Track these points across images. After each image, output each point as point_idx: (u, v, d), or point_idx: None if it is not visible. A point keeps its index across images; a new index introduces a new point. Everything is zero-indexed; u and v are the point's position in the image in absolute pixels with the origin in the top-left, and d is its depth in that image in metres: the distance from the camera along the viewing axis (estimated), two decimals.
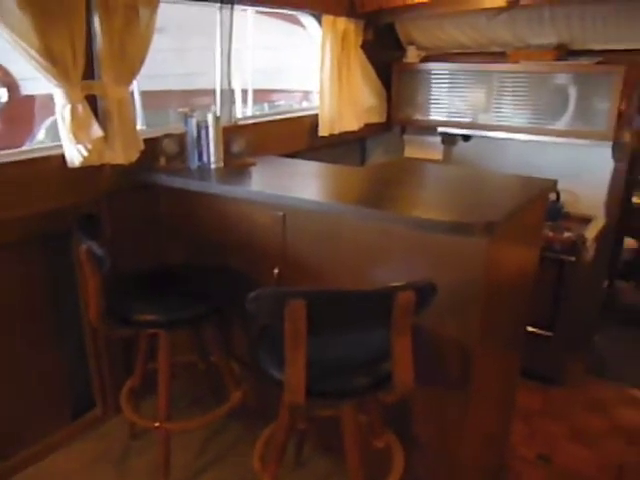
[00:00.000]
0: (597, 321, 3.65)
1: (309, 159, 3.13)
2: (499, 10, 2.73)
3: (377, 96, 3.62)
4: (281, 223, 2.07)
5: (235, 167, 2.43)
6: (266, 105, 3.79)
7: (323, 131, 3.15)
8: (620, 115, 2.84)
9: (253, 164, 2.47)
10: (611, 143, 2.97)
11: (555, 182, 2.15)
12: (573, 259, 2.92)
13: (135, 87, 2.42)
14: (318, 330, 1.37)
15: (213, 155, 2.40)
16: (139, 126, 2.46)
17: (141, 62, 2.13)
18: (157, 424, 2.06)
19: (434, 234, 1.69)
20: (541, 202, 2.10)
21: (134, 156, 2.20)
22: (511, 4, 2.56)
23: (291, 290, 1.33)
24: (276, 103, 3.92)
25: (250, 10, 3.00)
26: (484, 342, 1.85)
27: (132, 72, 2.12)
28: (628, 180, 3.48)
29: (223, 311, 2.09)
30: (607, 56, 2.95)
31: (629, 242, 5.04)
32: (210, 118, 2.39)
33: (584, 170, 3.28)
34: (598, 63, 2.93)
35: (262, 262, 2.17)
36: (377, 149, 4.00)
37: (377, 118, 3.67)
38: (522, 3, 2.61)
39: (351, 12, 3.11)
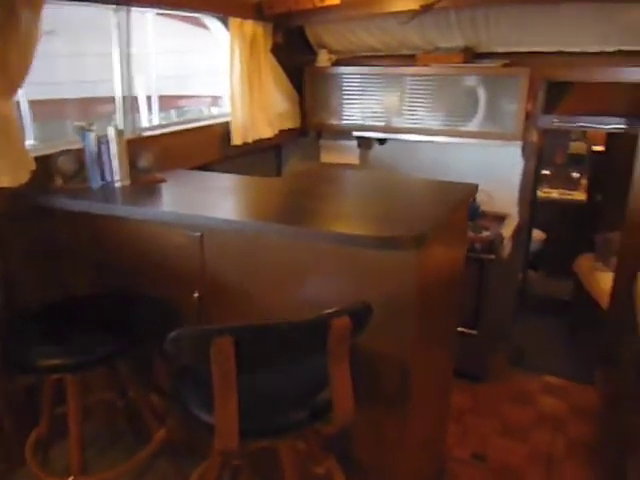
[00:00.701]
0: (515, 314, 3.78)
1: (223, 170, 2.97)
2: (413, 14, 2.72)
3: (290, 101, 3.52)
4: (198, 244, 1.91)
5: (143, 184, 2.23)
6: (173, 112, 3.57)
7: (236, 140, 3.00)
8: (527, 115, 2.93)
9: (163, 180, 2.28)
10: (520, 143, 3.05)
11: (476, 186, 2.15)
12: (493, 257, 2.98)
13: (21, 96, 2.14)
14: (249, 368, 1.25)
15: (117, 172, 2.18)
16: (29, 141, 2.19)
17: (25, 71, 1.88)
18: (71, 478, 1.83)
19: (362, 249, 1.61)
20: (464, 206, 2.09)
21: (24, 177, 1.95)
22: (425, 8, 2.54)
23: (216, 327, 1.19)
24: (184, 109, 3.71)
25: (150, 12, 2.79)
26: (420, 355, 1.80)
27: (14, 83, 1.86)
28: (535, 175, 3.63)
29: (141, 342, 1.89)
30: (512, 58, 3.04)
31: (537, 234, 5.31)
32: (111, 131, 2.17)
33: (496, 169, 3.37)
34: (504, 65, 3.01)
35: (180, 286, 2.00)
36: (293, 155, 3.90)
37: (291, 124, 3.57)
38: (434, 7, 2.60)
39: (259, 15, 2.99)
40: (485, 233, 3.02)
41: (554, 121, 3.57)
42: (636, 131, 3.13)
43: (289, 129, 3.55)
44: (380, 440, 1.88)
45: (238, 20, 2.87)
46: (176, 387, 1.50)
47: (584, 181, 5.53)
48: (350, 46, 3.42)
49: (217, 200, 2.13)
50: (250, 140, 3.09)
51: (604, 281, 3.85)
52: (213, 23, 2.99)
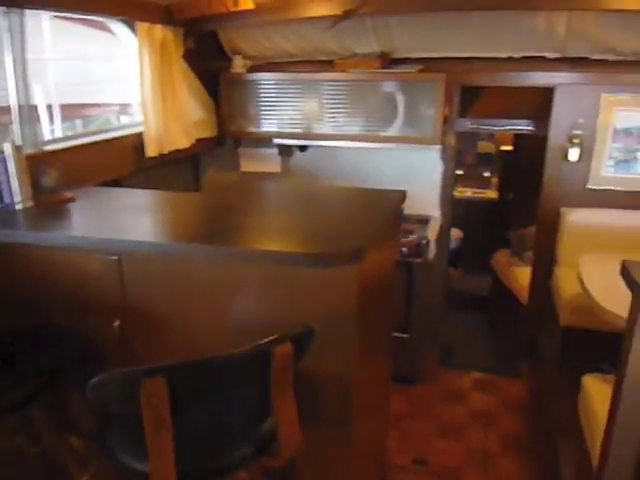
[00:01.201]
0: (442, 313, 3.85)
1: (136, 185, 2.78)
2: (335, 20, 2.67)
3: (205, 109, 3.38)
4: (116, 269, 1.75)
5: (49, 205, 2.02)
6: (79, 122, 3.31)
7: (151, 151, 2.82)
8: (445, 120, 2.99)
9: (71, 199, 2.07)
10: (440, 146, 3.11)
11: (404, 193, 2.14)
12: (420, 260, 3.00)
13: None
14: (185, 408, 1.12)
15: (17, 194, 1.96)
16: None
17: None
18: None
19: (298, 267, 1.53)
20: (396, 213, 2.07)
21: None
22: (347, 14, 2.51)
23: (145, 369, 1.06)
24: (91, 118, 3.45)
25: (46, 16, 2.56)
26: (361, 369, 1.75)
27: None
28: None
29: (56, 382, 1.70)
30: (427, 64, 3.09)
31: (454, 232, 5.48)
32: (8, 147, 1.95)
33: (417, 172, 3.41)
34: (419, 71, 3.05)
35: (99, 316, 1.82)
36: (211, 165, 3.75)
37: (208, 132, 3.42)
38: (356, 12, 2.57)
39: (168, 19, 2.83)
40: (411, 237, 3.05)
41: (468, 124, 3.69)
42: (543, 132, 3.29)
43: (206, 138, 3.40)
44: (325, 462, 1.80)
45: (146, 25, 2.69)
46: (101, 434, 1.34)
47: (495, 180, 5.79)
48: (266, 52, 3.33)
49: (133, 220, 1.96)
50: (166, 151, 2.91)
51: (521, 276, 4.03)
52: (119, 28, 2.79)
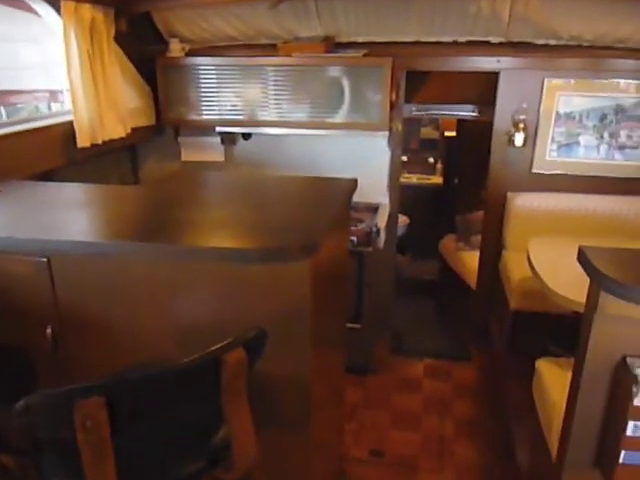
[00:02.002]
0: (393, 301, 3.84)
1: (68, 178, 2.59)
2: (273, 1, 2.55)
3: (141, 96, 3.18)
4: (46, 271, 1.58)
5: None
6: (2, 109, 3.04)
7: (83, 141, 2.62)
8: (392, 105, 2.93)
9: None
10: (386, 132, 3.05)
11: (355, 181, 2.07)
12: (370, 249, 2.95)
13: None
14: (127, 427, 1.01)
15: None
16: None
17: None
18: None
19: (246, 264, 1.42)
20: (348, 203, 1.99)
21: None
22: None
23: (79, 387, 0.94)
24: (18, 106, 3.18)
25: None
26: (317, 367, 1.67)
27: None
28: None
29: None
30: (372, 48, 3.02)
31: (401, 219, 5.49)
32: None
33: (365, 159, 3.35)
34: (364, 55, 2.97)
35: (28, 322, 1.65)
36: (150, 155, 3.56)
37: (145, 120, 3.22)
38: None
39: None
40: (361, 225, 2.99)
41: (413, 110, 3.67)
42: (488, 118, 3.31)
43: (143, 127, 3.21)
44: (282, 464, 1.72)
45: (72, 4, 2.48)
46: (34, 457, 1.20)
47: (439, 165, 5.84)
48: (204, 34, 3.16)
49: (64, 217, 1.79)
50: (100, 141, 2.71)
51: (468, 260, 4.08)
52: (42, 7, 2.56)
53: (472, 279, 3.77)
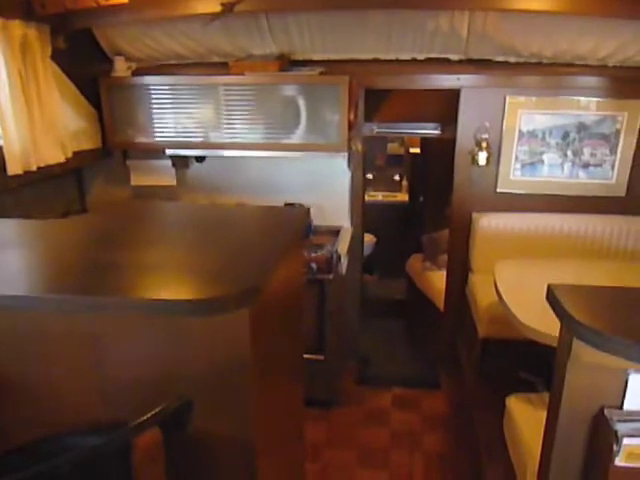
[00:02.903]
0: (358, 328, 3.67)
1: (3, 208, 2.38)
2: (212, 16, 2.40)
3: (84, 117, 2.98)
4: None
5: None
6: None
7: (14, 168, 2.40)
8: (350, 125, 2.80)
9: None
10: (346, 153, 2.92)
11: (308, 209, 1.91)
12: (331, 277, 2.80)
13: None
14: None
15: None
16: None
17: None
18: None
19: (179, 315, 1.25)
20: (300, 232, 1.83)
21: None
22: (225, 9, 2.24)
23: None
24: None
25: None
26: (264, 421, 1.49)
27: None
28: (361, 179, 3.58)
29: None
30: (329, 66, 2.89)
31: (367, 238, 5.36)
32: None
33: (325, 181, 3.22)
34: (320, 74, 2.84)
35: None
36: (97, 180, 3.35)
37: (89, 143, 3.02)
38: (236, 10, 2.31)
39: (29, 15, 2.42)
40: (321, 251, 2.83)
41: (375, 129, 3.55)
42: (450, 136, 3.21)
43: (88, 150, 3.00)
44: None
45: (0, 20, 2.28)
46: None
47: (405, 183, 5.75)
48: (151, 53, 2.98)
49: None
50: (34, 167, 2.50)
51: (436, 280, 3.96)
52: None
53: (440, 300, 3.64)
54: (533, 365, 2.58)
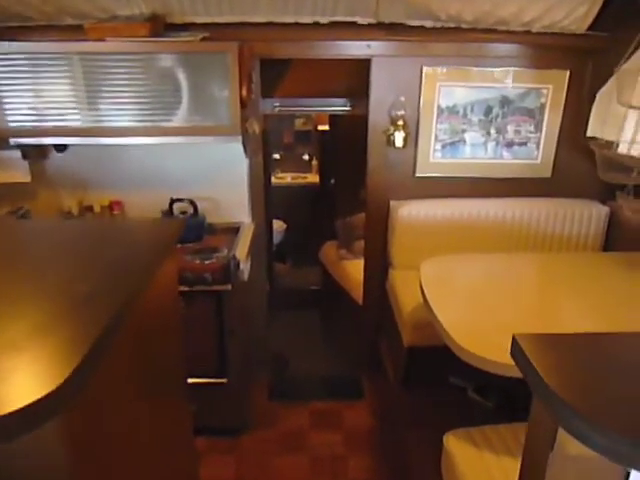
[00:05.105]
0: (268, 337, 3.23)
1: None
2: None
3: None
4: None
5: None
6: None
7: None
8: (243, 103, 2.31)
9: None
10: (240, 136, 2.42)
11: (182, 221, 1.43)
12: (229, 287, 2.33)
13: None
14: None
15: None
16: None
17: None
18: None
19: None
20: (169, 251, 1.35)
21: None
22: None
23: None
24: None
25: None
26: None
27: None
28: (266, 163, 3.11)
29: None
30: (214, 31, 2.36)
31: (277, 224, 4.92)
32: None
33: (221, 171, 2.72)
34: (202, 39, 2.31)
35: None
36: None
37: None
38: None
39: None
40: (215, 256, 2.36)
41: (276, 105, 3.08)
42: (362, 112, 2.81)
43: None
44: None
45: None
46: None
47: (315, 162, 5.34)
48: None
49: None
50: None
51: (352, 270, 3.61)
52: None
53: (358, 293, 3.29)
54: (463, 368, 2.31)
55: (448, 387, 2.41)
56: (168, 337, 1.44)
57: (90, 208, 2.69)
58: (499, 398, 2.31)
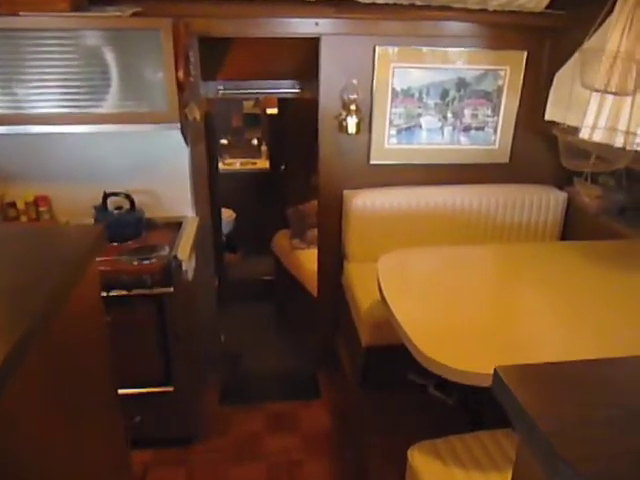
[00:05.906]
0: (217, 336, 3.05)
1: None
2: None
3: None
4: None
5: None
6: None
7: None
8: (181, 86, 2.09)
9: None
10: (178, 124, 2.20)
11: (101, 229, 1.22)
12: (172, 290, 2.13)
13: None
14: None
15: None
16: None
17: None
18: None
19: None
20: (87, 262, 1.15)
21: None
22: None
23: None
24: None
25: None
26: None
27: None
28: (212, 150, 2.89)
29: None
30: (146, 5, 2.12)
31: (226, 213, 4.70)
32: None
33: (158, 161, 2.49)
34: (134, 15, 2.07)
35: None
36: None
37: None
38: None
39: None
40: (155, 256, 2.15)
41: (219, 89, 2.86)
42: (312, 96, 2.63)
43: None
44: None
45: None
46: None
47: (265, 147, 5.12)
48: None
49: None
50: None
51: (305, 261, 3.45)
52: None
53: (313, 285, 3.14)
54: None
55: (408, 384, 2.31)
56: (90, 350, 1.25)
57: (13, 204, 2.42)
58: (460, 394, 2.24)
